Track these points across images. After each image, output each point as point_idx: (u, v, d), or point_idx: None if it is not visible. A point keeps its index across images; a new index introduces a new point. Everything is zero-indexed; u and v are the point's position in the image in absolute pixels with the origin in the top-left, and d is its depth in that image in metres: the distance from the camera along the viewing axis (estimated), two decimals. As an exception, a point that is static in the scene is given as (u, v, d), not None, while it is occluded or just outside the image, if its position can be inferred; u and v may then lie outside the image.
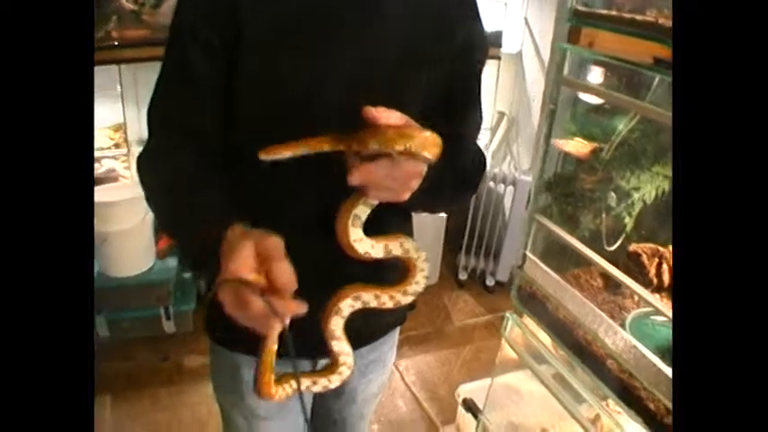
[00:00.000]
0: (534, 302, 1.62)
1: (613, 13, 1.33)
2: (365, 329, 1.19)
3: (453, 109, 1.11)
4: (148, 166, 1.03)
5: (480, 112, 1.17)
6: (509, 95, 3.56)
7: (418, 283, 1.03)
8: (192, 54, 0.97)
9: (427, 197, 0.96)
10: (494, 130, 3.56)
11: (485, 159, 1.18)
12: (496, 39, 3.38)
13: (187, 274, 2.97)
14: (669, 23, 1.23)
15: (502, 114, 3.56)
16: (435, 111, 1.01)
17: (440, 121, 0.90)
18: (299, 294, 0.79)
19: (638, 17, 1.27)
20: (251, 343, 1.16)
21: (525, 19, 3.40)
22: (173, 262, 2.90)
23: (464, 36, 1.06)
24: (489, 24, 3.45)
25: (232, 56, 0.95)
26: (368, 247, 0.97)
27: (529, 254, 1.60)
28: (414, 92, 1.03)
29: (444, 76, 1.05)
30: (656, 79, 1.39)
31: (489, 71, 3.55)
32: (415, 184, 0.88)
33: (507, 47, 3.43)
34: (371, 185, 0.85)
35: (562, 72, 1.44)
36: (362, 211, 0.94)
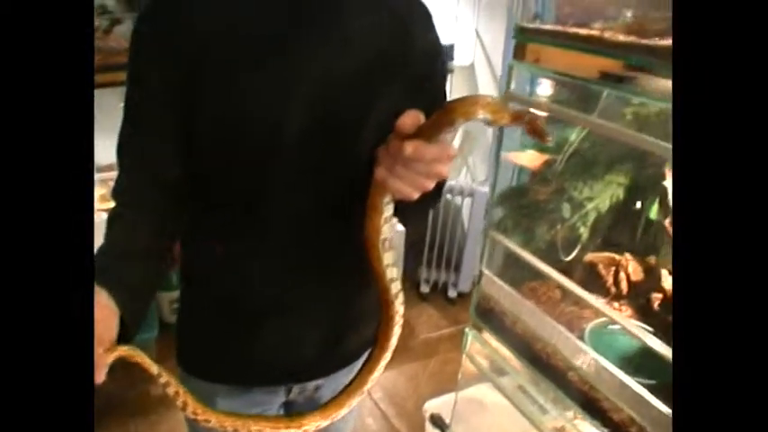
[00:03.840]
0: (492, 317, 1.63)
1: (558, 28, 1.34)
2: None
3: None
4: (114, 205, 1.01)
5: None
6: (463, 107, 3.58)
7: (395, 335, 1.02)
8: (149, 92, 0.96)
9: (435, 197, 0.97)
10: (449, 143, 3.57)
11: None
12: (448, 52, 3.39)
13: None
14: (616, 37, 1.25)
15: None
16: None
17: None
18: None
19: (583, 32, 1.28)
20: (226, 371, 1.15)
21: (476, 31, 3.43)
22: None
23: (424, 47, 1.07)
24: (441, 38, 3.48)
25: (191, 85, 0.93)
26: (393, 273, 0.96)
27: (485, 270, 1.61)
28: (381, 105, 1.01)
29: (411, 87, 1.04)
30: (605, 92, 1.41)
31: (442, 84, 3.58)
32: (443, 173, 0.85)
33: (459, 59, 3.45)
34: (410, 169, 0.81)
35: (509, 88, 1.45)
36: (388, 231, 0.92)
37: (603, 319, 1.57)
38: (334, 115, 0.97)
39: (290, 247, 1.04)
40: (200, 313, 1.15)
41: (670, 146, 1.20)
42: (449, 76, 3.41)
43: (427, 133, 0.79)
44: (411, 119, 0.79)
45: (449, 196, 3.36)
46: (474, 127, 3.54)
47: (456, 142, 3.57)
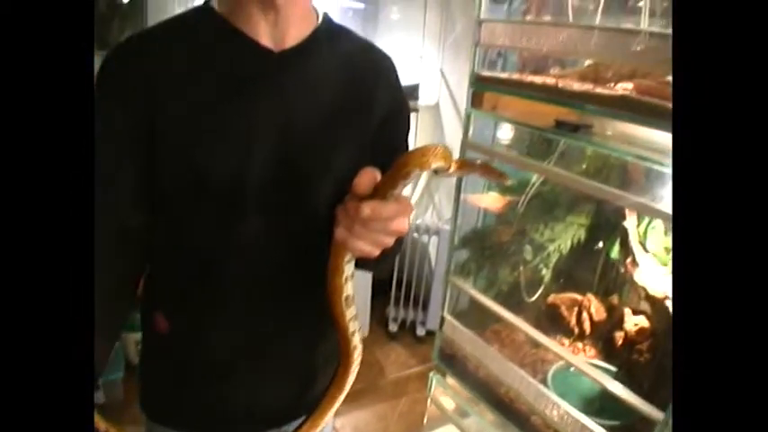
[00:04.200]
0: (456, 362, 1.63)
1: (514, 77, 1.37)
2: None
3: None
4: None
5: None
6: (429, 146, 3.61)
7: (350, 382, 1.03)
8: (110, 137, 0.92)
9: (396, 249, 0.97)
10: (415, 181, 3.59)
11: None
12: (413, 91, 3.43)
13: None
14: (570, 86, 1.27)
15: (423, 165, 3.60)
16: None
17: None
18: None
19: (538, 80, 1.31)
20: (189, 418, 1.12)
21: (441, 71, 3.47)
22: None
23: (386, 101, 1.05)
24: (406, 77, 3.51)
25: (149, 138, 0.91)
26: (354, 326, 0.97)
27: (447, 315, 1.61)
28: (341, 158, 1.00)
29: (372, 140, 1.03)
30: (561, 141, 1.43)
31: (408, 123, 3.61)
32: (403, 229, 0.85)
33: (424, 99, 3.48)
34: (369, 229, 0.81)
35: (467, 136, 1.47)
36: (350, 289, 0.92)
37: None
38: (293, 168, 0.96)
39: (250, 307, 1.03)
40: (162, 360, 1.13)
41: (626, 194, 1.22)
42: (414, 116, 3.46)
43: (383, 190, 0.80)
44: (367, 178, 0.80)
45: (415, 234, 3.37)
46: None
47: (422, 181, 3.60)
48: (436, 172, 0.82)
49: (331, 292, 0.92)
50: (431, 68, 3.48)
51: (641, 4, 1.35)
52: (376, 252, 0.85)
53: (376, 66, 1.07)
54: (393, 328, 3.59)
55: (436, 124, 3.56)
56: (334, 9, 3.55)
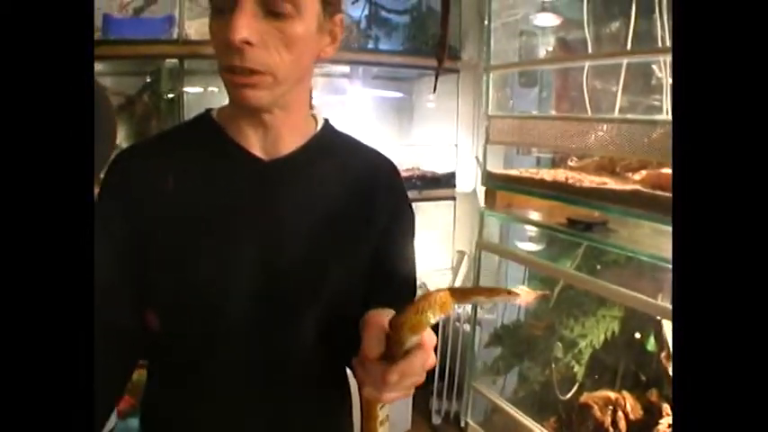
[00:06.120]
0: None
1: (524, 175, 1.34)
2: None
3: (387, 286, 1.04)
4: None
5: (414, 281, 1.12)
6: (468, 234, 3.58)
7: None
8: (106, 241, 0.91)
9: None
10: (455, 270, 3.55)
11: None
12: (450, 179, 3.43)
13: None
14: (581, 182, 1.23)
15: (462, 253, 3.56)
16: (370, 290, 0.99)
17: (375, 298, 0.90)
18: None
19: (549, 178, 1.28)
20: None
21: (476, 158, 3.47)
22: (134, 422, 2.74)
23: (388, 208, 1.03)
24: (442, 166, 3.53)
25: (141, 250, 0.92)
26: None
27: (470, 421, 1.55)
28: (332, 276, 0.97)
29: (371, 258, 1.02)
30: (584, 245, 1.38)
31: (446, 211, 3.59)
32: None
33: (461, 186, 3.47)
34: (399, 384, 0.78)
35: (482, 236, 1.44)
36: (386, 430, 0.88)
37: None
38: (279, 285, 0.95)
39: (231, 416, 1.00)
40: None
41: (651, 299, 1.16)
42: (451, 203, 3.46)
43: (394, 352, 0.78)
44: (374, 345, 0.79)
45: (457, 324, 3.30)
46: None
47: (462, 269, 3.55)
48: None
49: None
50: (465, 156, 3.48)
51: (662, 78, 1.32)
52: (411, 392, 0.82)
53: (376, 173, 1.05)
54: (436, 420, 3.48)
55: (474, 211, 3.53)
56: (371, 98, 3.61)
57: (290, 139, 0.96)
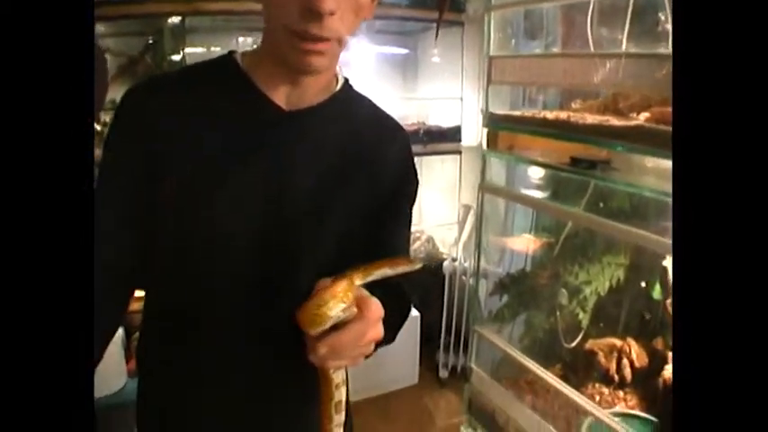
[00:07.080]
0: (485, 415, 1.55)
1: (527, 114, 1.31)
2: None
3: (381, 248, 1.02)
4: None
5: (408, 245, 1.13)
6: (473, 188, 3.55)
7: None
8: (114, 181, 0.94)
9: (399, 322, 0.96)
10: (461, 224, 3.53)
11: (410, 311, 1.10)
12: (455, 133, 3.40)
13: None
14: (583, 119, 1.20)
15: (468, 207, 3.54)
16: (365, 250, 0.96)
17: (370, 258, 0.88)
18: None
19: (550, 116, 1.25)
20: None
21: (481, 111, 3.42)
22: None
23: (399, 175, 1.05)
24: (447, 120, 3.49)
25: (151, 191, 0.92)
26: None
27: (474, 366, 1.54)
28: (335, 223, 0.98)
29: (372, 209, 1.02)
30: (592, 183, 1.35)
31: (451, 165, 3.56)
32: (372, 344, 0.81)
33: (467, 140, 3.44)
34: (339, 357, 0.78)
35: (484, 179, 1.42)
36: (342, 394, 0.87)
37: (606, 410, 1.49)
38: (287, 232, 0.94)
39: (225, 370, 0.99)
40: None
41: (662, 238, 1.14)
42: (456, 157, 3.43)
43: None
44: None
45: (463, 278, 3.29)
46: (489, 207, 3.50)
47: (468, 224, 3.53)
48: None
49: (322, 398, 0.86)
50: (471, 110, 3.44)
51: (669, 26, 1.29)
52: (360, 361, 0.82)
53: (390, 138, 1.07)
54: (443, 374, 3.50)
55: (479, 165, 3.51)
56: (376, 55, 3.57)
57: (315, 95, 0.97)
